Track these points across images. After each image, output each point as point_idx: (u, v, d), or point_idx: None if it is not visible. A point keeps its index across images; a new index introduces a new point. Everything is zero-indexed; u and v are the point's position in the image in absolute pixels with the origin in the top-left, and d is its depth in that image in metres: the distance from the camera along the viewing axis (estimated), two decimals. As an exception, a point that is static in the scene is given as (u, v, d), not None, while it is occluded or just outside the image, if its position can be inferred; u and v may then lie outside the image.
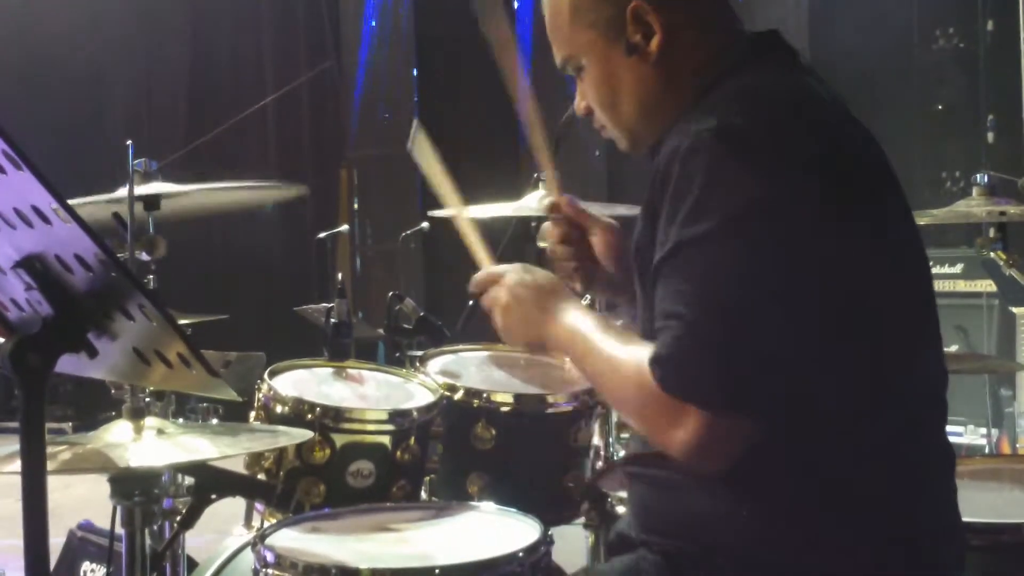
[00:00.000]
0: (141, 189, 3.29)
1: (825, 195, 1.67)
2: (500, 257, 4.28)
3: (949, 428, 1.82)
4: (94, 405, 7.42)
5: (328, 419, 2.66)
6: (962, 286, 5.78)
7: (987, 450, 5.23)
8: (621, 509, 2.79)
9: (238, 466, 2.70)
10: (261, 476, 2.69)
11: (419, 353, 3.17)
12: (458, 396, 2.85)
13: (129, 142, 3.07)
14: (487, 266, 2.19)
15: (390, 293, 3.44)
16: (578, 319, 1.89)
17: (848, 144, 1.78)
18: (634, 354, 1.72)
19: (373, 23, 9.72)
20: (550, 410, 2.86)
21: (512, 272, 2.03)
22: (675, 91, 1.87)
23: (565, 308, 1.93)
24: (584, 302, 4.01)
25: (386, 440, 2.70)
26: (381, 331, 3.27)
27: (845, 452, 1.72)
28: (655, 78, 1.87)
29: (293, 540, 2.27)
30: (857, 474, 1.72)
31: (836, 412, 1.70)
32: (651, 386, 1.66)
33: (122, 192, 3.25)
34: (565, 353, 1.96)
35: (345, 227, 7.41)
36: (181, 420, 3.25)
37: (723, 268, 1.64)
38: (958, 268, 5.81)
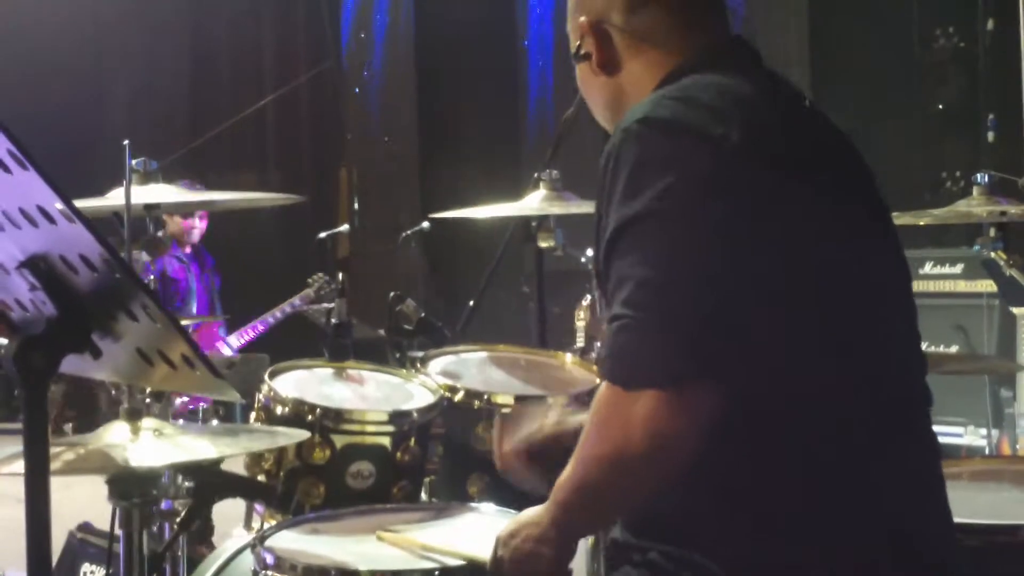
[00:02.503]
0: (142, 192, 3.29)
1: (756, 171, 1.69)
2: (500, 257, 4.28)
3: (950, 429, 1.81)
4: (94, 407, 7.41)
5: (328, 420, 2.66)
6: (962, 286, 5.77)
7: (987, 451, 5.23)
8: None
9: (238, 467, 2.70)
10: (261, 477, 2.69)
11: (420, 354, 3.17)
12: (459, 397, 2.86)
13: (126, 142, 3.06)
14: None
15: (391, 294, 3.44)
16: (549, 504, 1.85)
17: (780, 137, 1.79)
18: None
19: (374, 23, 9.72)
20: (550, 411, 2.86)
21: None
22: (624, 99, 1.93)
23: (544, 512, 1.87)
24: (586, 301, 4.02)
25: (386, 441, 2.70)
26: (382, 332, 3.28)
27: (829, 448, 1.72)
28: (602, 85, 1.97)
29: (293, 541, 2.27)
30: (840, 471, 1.72)
31: (809, 399, 1.70)
32: (605, 391, 1.70)
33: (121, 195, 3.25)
34: (581, 512, 1.84)
35: (345, 227, 7.41)
36: (181, 421, 3.25)
37: (656, 244, 1.66)
38: (958, 268, 5.81)
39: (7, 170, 1.45)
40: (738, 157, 1.68)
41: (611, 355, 1.69)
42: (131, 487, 2.23)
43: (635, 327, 1.65)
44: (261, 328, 6.46)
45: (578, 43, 1.96)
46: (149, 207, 3.36)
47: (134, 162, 3.27)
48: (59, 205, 1.46)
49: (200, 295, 6.86)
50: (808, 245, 1.71)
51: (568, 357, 3.26)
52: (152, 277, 6.39)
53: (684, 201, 1.66)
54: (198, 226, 6.74)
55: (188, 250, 6.84)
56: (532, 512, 1.89)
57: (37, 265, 1.59)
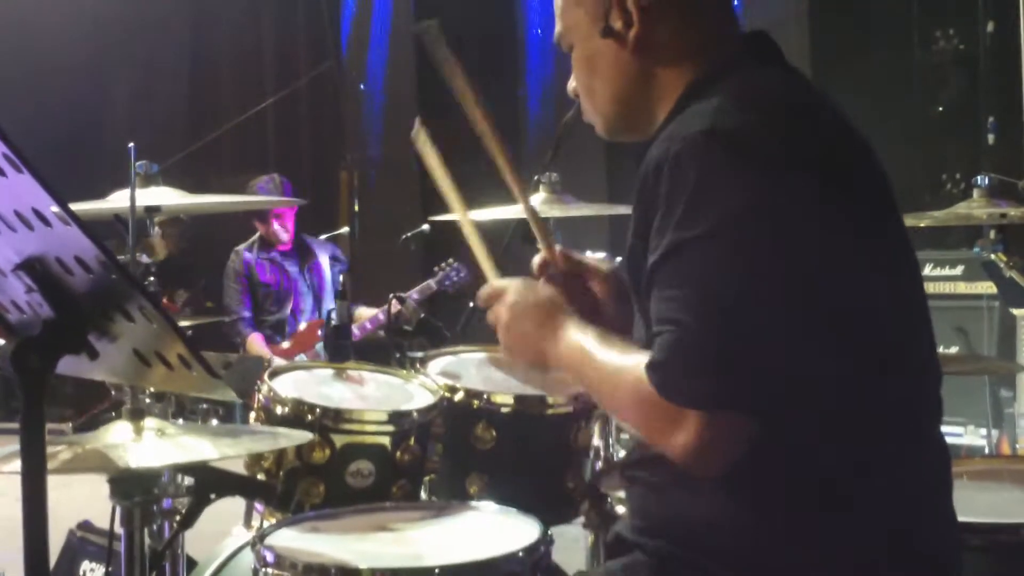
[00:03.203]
0: (143, 195, 3.30)
1: (821, 196, 1.67)
2: (501, 258, 4.29)
3: (950, 429, 1.81)
4: (94, 406, 7.42)
5: (328, 420, 2.67)
6: (962, 288, 5.77)
7: (987, 451, 5.23)
8: (620, 509, 2.79)
9: (238, 466, 2.70)
10: (261, 476, 2.70)
11: (419, 354, 3.17)
12: (458, 397, 2.86)
13: (131, 144, 3.07)
14: (491, 278, 2.13)
15: (391, 295, 3.45)
16: (577, 335, 1.87)
17: (843, 145, 1.78)
18: (633, 364, 1.71)
19: (374, 24, 9.72)
20: (550, 411, 2.87)
21: (513, 289, 2.00)
22: (652, 85, 1.86)
23: (564, 325, 1.90)
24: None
25: (386, 440, 2.71)
26: (382, 332, 3.29)
27: (842, 453, 1.71)
28: (631, 66, 1.86)
29: (293, 540, 2.27)
30: (854, 475, 1.72)
31: (833, 412, 1.70)
32: (649, 393, 1.67)
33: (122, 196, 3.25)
34: (566, 369, 1.90)
35: (346, 229, 7.39)
36: (181, 421, 3.25)
37: (718, 269, 1.63)
38: (958, 270, 5.81)
39: (2, 173, 1.45)
40: (800, 171, 1.66)
41: (663, 367, 1.65)
42: (132, 486, 2.24)
43: (690, 345, 1.63)
44: (382, 318, 6.24)
45: (604, 14, 1.85)
46: (150, 209, 3.37)
47: (135, 164, 3.28)
48: (54, 208, 1.46)
49: (301, 293, 6.69)
50: (863, 267, 1.70)
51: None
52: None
53: (746, 227, 1.63)
54: (277, 226, 6.60)
55: (284, 249, 6.70)
56: (545, 306, 1.95)
57: (33, 267, 1.59)
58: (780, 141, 1.67)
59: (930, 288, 5.81)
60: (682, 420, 1.63)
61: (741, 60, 1.83)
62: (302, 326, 6.52)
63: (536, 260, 2.22)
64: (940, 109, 7.32)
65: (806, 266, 1.65)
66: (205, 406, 3.90)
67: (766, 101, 1.73)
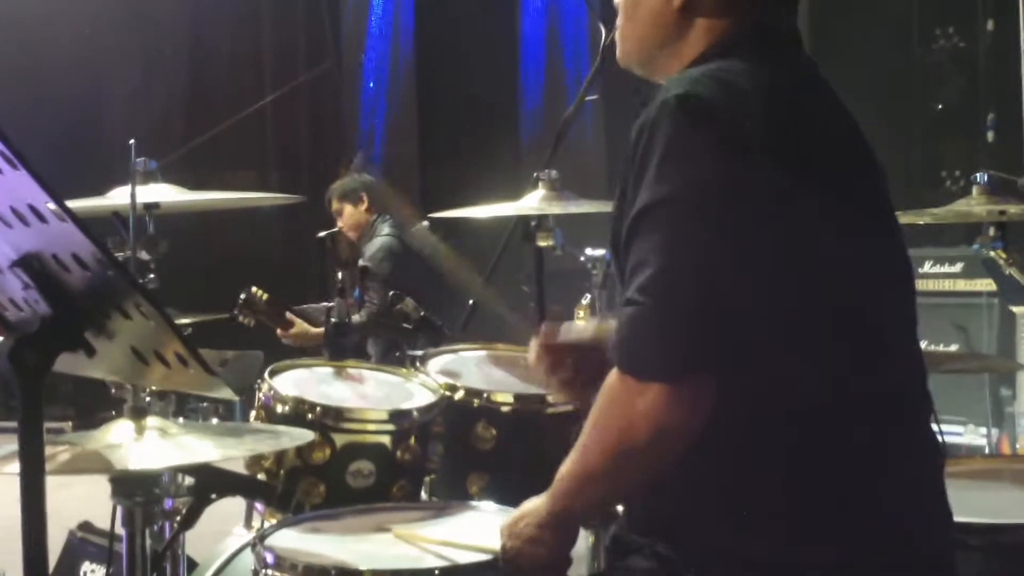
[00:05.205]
0: (141, 192, 3.29)
1: (781, 170, 1.68)
2: (500, 257, 4.28)
3: (950, 428, 1.80)
4: (94, 404, 7.41)
5: (328, 419, 2.66)
6: (962, 285, 5.77)
7: (987, 450, 5.22)
8: (621, 508, 2.78)
9: (239, 466, 2.70)
10: (261, 476, 2.69)
11: (419, 353, 3.17)
12: (458, 396, 2.86)
13: (132, 141, 3.07)
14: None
15: (390, 292, 3.44)
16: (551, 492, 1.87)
17: (824, 141, 1.79)
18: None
19: (374, 23, 9.71)
20: (550, 410, 2.86)
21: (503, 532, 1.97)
22: (678, 41, 1.89)
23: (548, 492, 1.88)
24: (585, 300, 4.00)
25: (386, 440, 2.70)
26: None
27: (831, 447, 1.72)
28: (671, 17, 1.89)
29: (293, 541, 2.27)
30: (844, 470, 1.72)
31: (813, 397, 1.70)
32: (614, 379, 1.70)
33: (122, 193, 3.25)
34: (578, 495, 1.86)
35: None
36: (182, 420, 3.24)
37: (677, 233, 1.65)
38: (958, 267, 5.80)
39: (-1, 170, 1.45)
40: (767, 153, 1.67)
41: (622, 344, 1.68)
42: (134, 486, 2.23)
43: (647, 316, 1.65)
44: None
45: None
46: (148, 206, 3.36)
47: (134, 161, 3.28)
48: (51, 204, 1.46)
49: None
50: (821, 244, 1.71)
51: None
52: None
53: (710, 193, 1.65)
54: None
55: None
56: (533, 500, 1.91)
57: (30, 264, 1.59)
58: (743, 116, 1.69)
59: (929, 285, 5.81)
60: (643, 391, 1.65)
61: (754, 40, 1.83)
62: None
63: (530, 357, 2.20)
64: (940, 107, 7.31)
65: (763, 235, 1.66)
66: (205, 404, 3.89)
67: (738, 82, 1.74)
